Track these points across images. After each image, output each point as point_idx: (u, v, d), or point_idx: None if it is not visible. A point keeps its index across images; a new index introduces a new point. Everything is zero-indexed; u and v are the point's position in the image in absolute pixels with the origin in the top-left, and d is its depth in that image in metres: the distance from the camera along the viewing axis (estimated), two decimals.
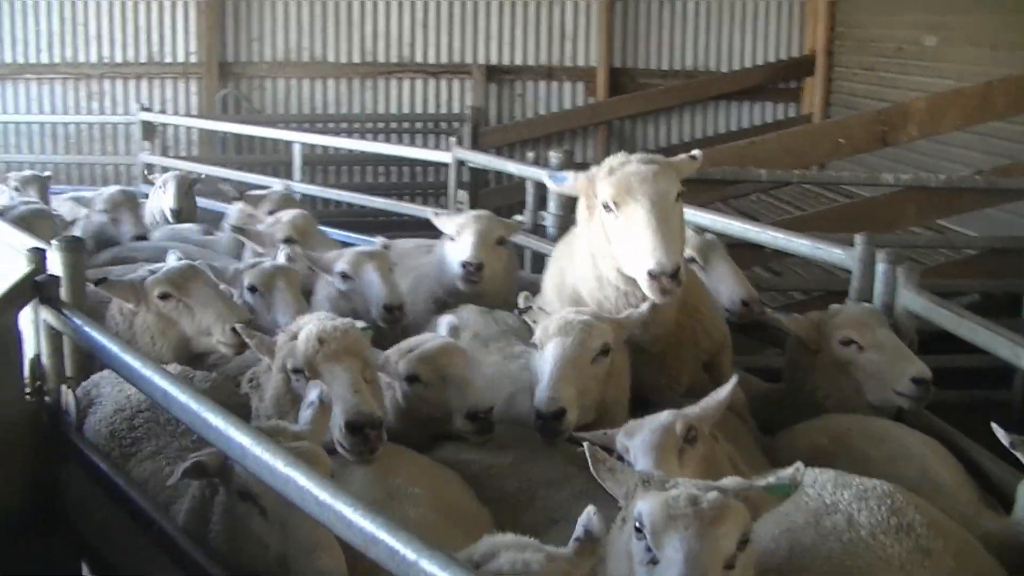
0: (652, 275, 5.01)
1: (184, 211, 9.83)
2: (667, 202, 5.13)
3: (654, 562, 3.14)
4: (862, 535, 3.75)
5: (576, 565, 3.19)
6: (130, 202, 9.13)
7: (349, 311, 6.30)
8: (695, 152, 5.63)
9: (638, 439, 4.24)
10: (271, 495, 3.58)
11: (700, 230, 6.79)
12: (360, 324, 5.22)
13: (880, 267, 6.07)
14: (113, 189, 9.32)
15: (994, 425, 4.25)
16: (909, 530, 3.78)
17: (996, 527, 4.39)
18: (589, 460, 3.53)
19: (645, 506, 3.23)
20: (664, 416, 4.32)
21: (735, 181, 9.82)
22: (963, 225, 11.70)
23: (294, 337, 4.79)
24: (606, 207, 5.20)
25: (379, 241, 7.40)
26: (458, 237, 7.04)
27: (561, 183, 5.68)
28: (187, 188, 9.98)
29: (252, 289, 6.27)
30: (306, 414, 4.17)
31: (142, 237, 9.00)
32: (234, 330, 5.54)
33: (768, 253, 7.07)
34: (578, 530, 3.31)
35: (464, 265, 6.82)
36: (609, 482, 3.49)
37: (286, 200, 9.00)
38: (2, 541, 4.66)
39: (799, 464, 3.47)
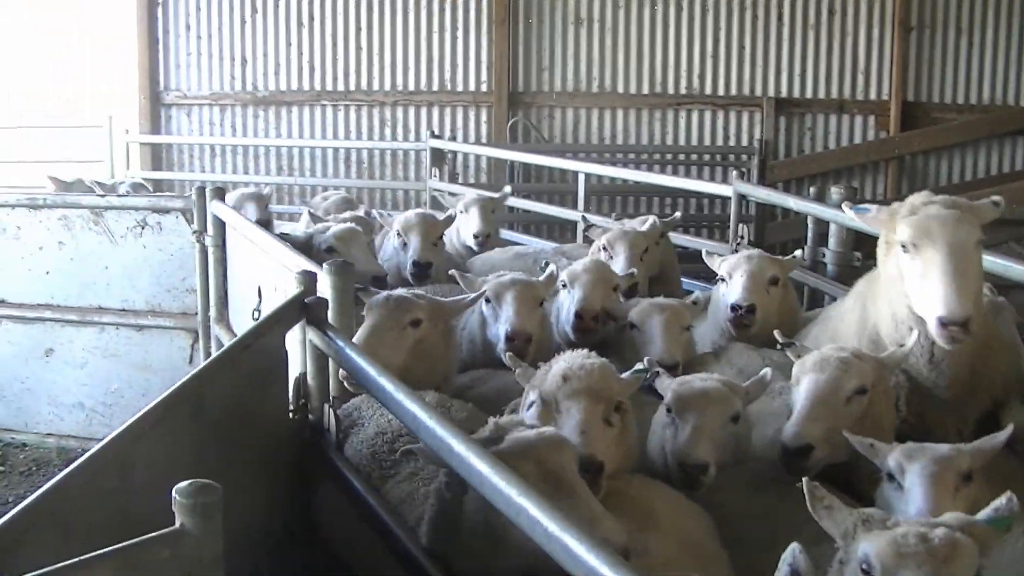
0: (942, 323, 5.14)
1: (488, 235, 10.23)
2: (966, 249, 5.28)
3: None
4: None
5: None
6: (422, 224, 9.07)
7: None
8: (996, 198, 5.73)
9: (919, 465, 4.36)
10: (537, 479, 3.82)
11: (993, 290, 6.75)
12: (640, 366, 5.47)
13: None
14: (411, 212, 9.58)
15: None
16: None
17: None
18: (807, 496, 3.65)
19: (872, 547, 3.35)
20: (947, 449, 4.47)
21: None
22: None
23: (550, 369, 5.13)
24: (903, 247, 5.38)
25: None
26: (729, 280, 7.25)
27: (863, 214, 5.88)
28: (490, 211, 10.37)
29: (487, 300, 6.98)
30: (528, 413, 4.73)
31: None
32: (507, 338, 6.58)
33: None
34: (783, 569, 3.52)
35: (734, 308, 6.99)
36: (826, 520, 3.61)
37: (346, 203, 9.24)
38: (261, 552, 4.98)
39: (1011, 494, 3.57)
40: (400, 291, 6.46)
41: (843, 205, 6.30)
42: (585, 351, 5.26)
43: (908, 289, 5.39)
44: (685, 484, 4.92)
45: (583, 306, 6.93)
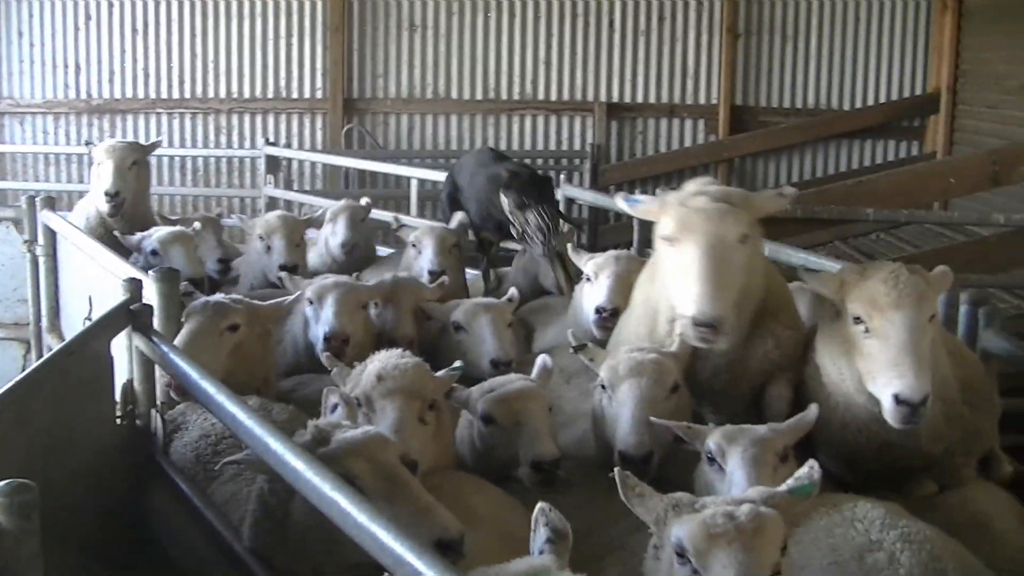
0: (694, 322, 5.27)
1: (355, 244, 10.17)
2: (726, 245, 5.34)
3: None
4: (900, 573, 4.19)
5: (562, 566, 3.49)
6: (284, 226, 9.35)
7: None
8: (785, 189, 5.94)
9: (740, 447, 4.67)
10: (371, 476, 4.10)
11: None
12: (458, 364, 5.75)
13: (962, 308, 6.53)
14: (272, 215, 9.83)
15: None
16: (943, 572, 4.20)
17: None
18: (619, 486, 3.87)
19: (683, 531, 3.57)
20: (764, 430, 4.81)
21: (843, 220, 10.25)
22: None
23: (363, 371, 5.40)
24: (667, 240, 5.49)
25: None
26: (595, 280, 7.32)
27: (634, 205, 5.93)
28: (359, 220, 10.36)
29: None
30: (334, 416, 4.98)
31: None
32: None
33: None
34: (543, 534, 3.61)
35: (598, 310, 7.08)
36: (639, 508, 3.82)
37: None
38: (94, 555, 5.11)
39: (813, 462, 3.94)
40: (218, 296, 6.75)
41: (617, 196, 6.40)
42: (399, 350, 5.53)
43: (668, 283, 5.54)
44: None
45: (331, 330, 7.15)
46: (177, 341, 6.07)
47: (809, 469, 3.92)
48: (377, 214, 13.17)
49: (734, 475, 4.57)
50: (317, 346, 7.08)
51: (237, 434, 4.53)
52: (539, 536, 3.61)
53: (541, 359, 5.83)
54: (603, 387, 5.46)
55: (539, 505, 3.68)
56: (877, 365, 5.02)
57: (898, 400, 4.88)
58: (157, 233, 8.75)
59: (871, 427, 5.35)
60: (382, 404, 5.15)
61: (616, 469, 3.94)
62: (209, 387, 4.77)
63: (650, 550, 3.85)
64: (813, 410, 5.00)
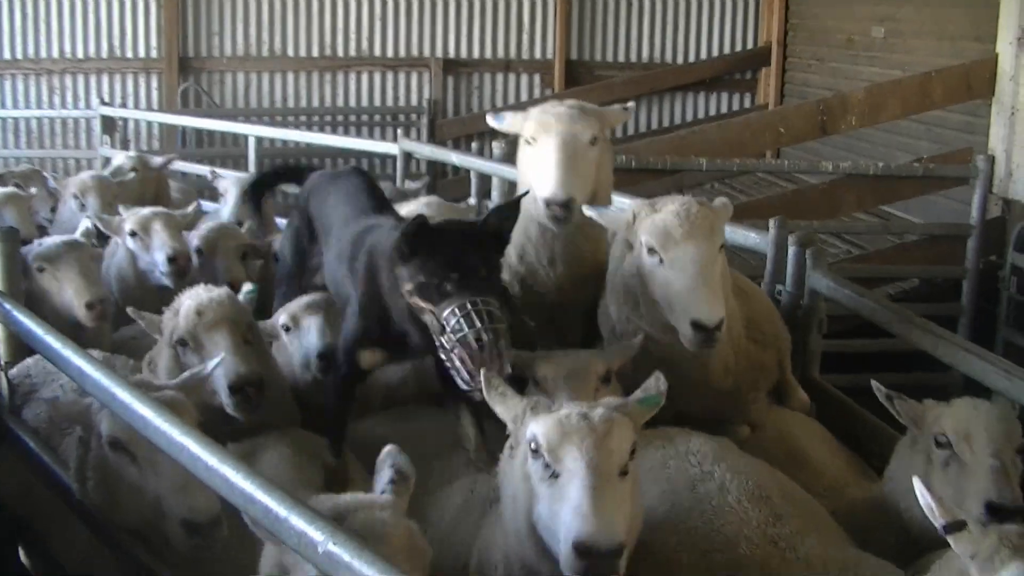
0: (546, 203, 5.61)
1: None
2: (579, 142, 5.74)
3: (555, 476, 3.74)
4: (729, 500, 4.54)
5: (399, 505, 3.80)
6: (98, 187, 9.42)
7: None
8: (629, 104, 6.47)
9: (562, 372, 5.01)
10: (141, 443, 4.33)
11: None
12: (248, 287, 6.15)
13: (791, 250, 6.73)
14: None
15: (873, 382, 5.02)
16: (766, 499, 4.57)
17: (861, 493, 5.35)
18: (484, 385, 4.20)
19: (539, 427, 3.83)
20: (586, 355, 5.22)
21: (676, 170, 10.60)
22: (906, 211, 12.69)
23: (176, 313, 5.53)
24: (527, 142, 5.89)
25: None
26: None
27: (500, 121, 6.19)
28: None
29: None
30: (162, 365, 5.29)
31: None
32: (89, 306, 6.61)
33: None
34: (386, 475, 3.95)
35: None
36: (499, 407, 4.14)
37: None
38: None
39: (658, 373, 4.25)
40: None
41: (488, 116, 6.43)
42: (203, 286, 5.72)
43: (525, 180, 5.89)
44: None
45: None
46: None
47: (655, 381, 4.18)
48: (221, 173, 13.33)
49: (558, 396, 4.73)
50: (157, 270, 7.41)
51: (84, 387, 4.65)
52: (383, 476, 3.90)
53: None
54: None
55: (388, 447, 3.99)
56: (673, 294, 5.18)
57: (696, 326, 5.04)
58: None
59: (665, 363, 5.32)
60: (210, 336, 5.34)
61: (483, 371, 4.25)
62: (54, 341, 4.90)
63: (506, 451, 4.09)
64: (638, 339, 5.30)
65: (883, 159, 12.92)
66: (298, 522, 3.20)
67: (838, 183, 11.44)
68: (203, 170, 13.41)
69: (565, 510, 3.60)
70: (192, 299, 5.54)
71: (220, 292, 5.63)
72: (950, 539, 3.51)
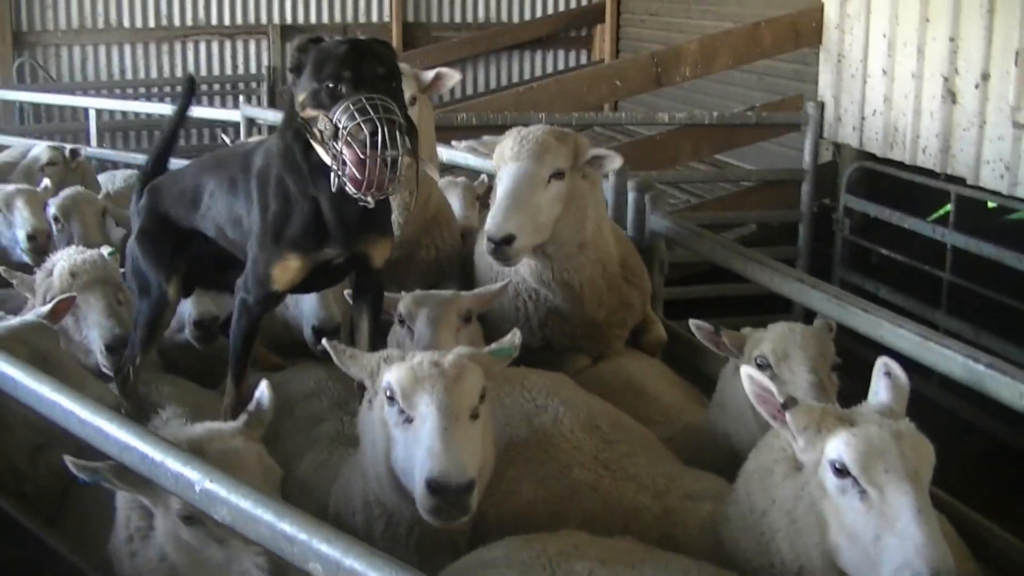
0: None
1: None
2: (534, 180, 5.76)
3: (409, 420, 3.96)
4: (563, 431, 4.86)
5: (250, 434, 4.09)
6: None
7: None
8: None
9: (425, 310, 5.24)
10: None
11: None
12: (107, 250, 6.10)
13: (630, 196, 7.11)
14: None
15: (692, 321, 5.27)
16: (597, 428, 4.91)
17: (690, 419, 5.68)
18: (332, 352, 4.36)
19: (393, 375, 4.04)
20: (448, 295, 5.43)
21: (516, 125, 10.72)
22: (741, 159, 13.08)
23: (50, 273, 5.72)
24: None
25: None
26: None
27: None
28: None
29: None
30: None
31: None
32: None
33: None
34: (251, 405, 4.26)
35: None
36: (353, 368, 4.31)
37: None
38: None
39: (516, 331, 4.52)
40: None
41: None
42: (74, 248, 5.96)
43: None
44: None
45: None
46: None
47: (511, 336, 4.43)
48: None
49: (420, 332, 5.13)
50: (17, 247, 7.59)
51: None
52: (251, 406, 4.25)
53: None
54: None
55: (262, 382, 4.25)
56: (493, 206, 5.62)
57: (488, 237, 5.45)
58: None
59: (539, 293, 6.01)
60: (84, 297, 5.52)
61: (324, 341, 4.41)
62: None
63: (364, 404, 4.29)
64: (501, 283, 5.71)
65: (718, 109, 13.12)
66: (174, 464, 3.35)
67: (674, 133, 11.80)
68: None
69: (419, 451, 3.80)
70: (66, 260, 5.71)
71: (93, 253, 5.80)
72: (787, 414, 3.76)
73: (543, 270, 5.93)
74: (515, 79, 19.71)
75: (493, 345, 4.44)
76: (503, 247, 5.43)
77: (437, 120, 7.00)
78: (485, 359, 4.26)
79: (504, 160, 5.68)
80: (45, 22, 18.22)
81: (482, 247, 5.88)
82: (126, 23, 18.51)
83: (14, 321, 4.99)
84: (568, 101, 11.74)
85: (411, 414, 3.92)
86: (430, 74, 6.43)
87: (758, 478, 4.00)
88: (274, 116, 11.71)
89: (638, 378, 6.10)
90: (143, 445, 3.51)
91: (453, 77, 6.48)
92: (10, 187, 8.05)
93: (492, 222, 5.45)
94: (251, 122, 11.63)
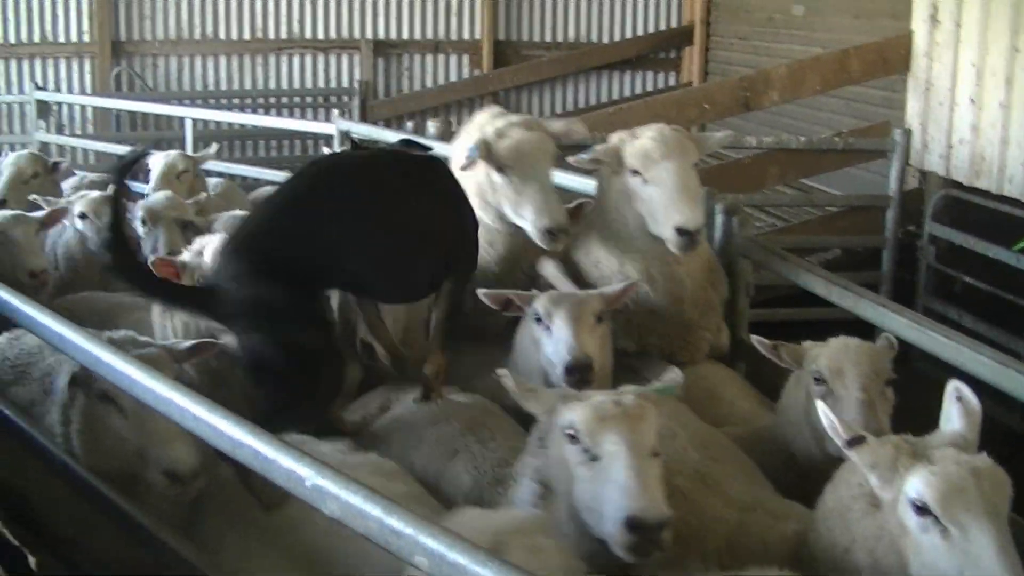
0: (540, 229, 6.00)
1: None
2: (544, 166, 6.22)
3: (594, 459, 4.04)
4: (676, 445, 4.87)
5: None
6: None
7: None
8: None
9: (564, 309, 5.41)
10: (127, 397, 4.55)
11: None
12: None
13: (718, 218, 7.10)
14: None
15: (754, 337, 5.57)
16: (706, 448, 5.06)
17: (763, 423, 5.86)
18: (514, 386, 4.50)
19: (576, 415, 4.14)
20: (582, 295, 5.63)
21: None
22: (828, 184, 13.01)
23: (200, 254, 5.79)
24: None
25: None
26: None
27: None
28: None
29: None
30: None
31: None
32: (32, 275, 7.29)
33: None
34: (527, 488, 4.43)
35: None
36: (532, 403, 4.44)
37: None
38: None
39: (675, 369, 5.10)
40: None
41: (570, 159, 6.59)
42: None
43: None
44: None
45: None
46: None
47: (673, 375, 4.86)
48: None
49: (559, 331, 5.32)
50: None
51: (66, 351, 4.80)
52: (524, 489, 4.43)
53: None
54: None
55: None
56: (657, 206, 5.84)
57: (679, 231, 5.72)
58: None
59: (640, 291, 6.13)
60: None
61: (501, 372, 4.57)
62: (31, 310, 5.07)
63: (533, 442, 4.46)
64: (628, 282, 5.85)
65: (805, 134, 13.06)
66: (287, 461, 3.47)
67: (762, 157, 11.72)
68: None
69: (611, 490, 3.88)
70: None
71: None
72: (852, 452, 3.87)
73: (655, 263, 6.14)
74: (603, 99, 19.73)
75: (657, 384, 4.70)
76: (696, 237, 5.78)
77: None
78: (654, 398, 4.36)
79: (654, 160, 5.88)
80: (143, 32, 18.59)
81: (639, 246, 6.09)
82: (222, 35, 18.81)
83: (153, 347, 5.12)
84: (656, 123, 11.73)
85: (596, 452, 4.00)
86: (558, 125, 6.56)
87: (837, 515, 4.07)
88: (367, 130, 11.97)
89: (717, 387, 6.38)
90: (256, 442, 3.64)
91: (580, 133, 6.67)
92: (95, 194, 8.35)
93: (689, 215, 5.72)
94: (345, 135, 11.73)
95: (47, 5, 18.26)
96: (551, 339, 5.41)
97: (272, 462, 3.56)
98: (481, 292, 5.77)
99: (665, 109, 12.16)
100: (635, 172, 5.98)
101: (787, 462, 5.32)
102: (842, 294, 6.26)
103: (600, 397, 4.21)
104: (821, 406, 4.12)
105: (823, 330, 9.76)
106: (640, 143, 6.01)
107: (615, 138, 6.23)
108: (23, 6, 18.19)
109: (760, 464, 5.30)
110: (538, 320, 5.49)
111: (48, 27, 18.31)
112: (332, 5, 18.99)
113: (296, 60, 19.06)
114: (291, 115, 18.87)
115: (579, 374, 5.21)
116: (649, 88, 19.89)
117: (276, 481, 3.59)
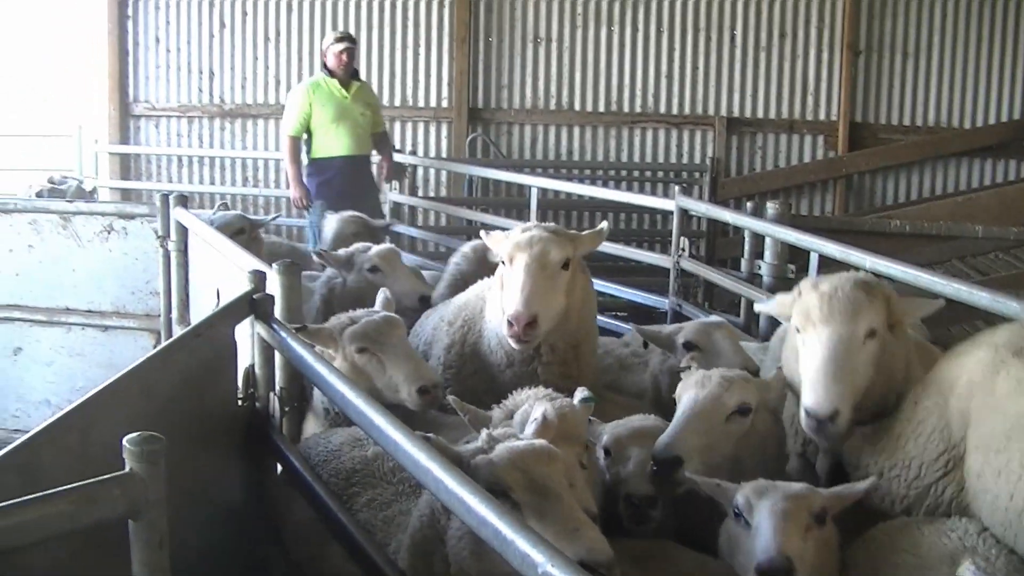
0: (508, 321, 5.99)
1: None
2: (547, 264, 6.13)
3: (747, 525, 4.35)
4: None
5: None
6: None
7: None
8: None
9: (769, 501, 4.42)
10: (523, 489, 3.97)
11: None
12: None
13: None
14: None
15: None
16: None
17: None
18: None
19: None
20: (800, 487, 4.57)
21: (951, 237, 10.13)
22: None
23: (509, 416, 5.13)
24: (502, 262, 6.32)
25: None
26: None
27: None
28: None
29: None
30: (530, 430, 4.62)
31: None
32: (421, 391, 6.07)
33: (980, 312, 6.57)
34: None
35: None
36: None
37: None
38: (208, 523, 5.35)
39: (873, 479, 4.72)
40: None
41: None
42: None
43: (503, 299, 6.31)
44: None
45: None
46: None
47: (870, 484, 4.66)
48: (498, 220, 13.41)
49: (760, 528, 4.32)
50: (402, 302, 7.85)
51: (365, 430, 4.52)
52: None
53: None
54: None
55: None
56: (804, 376, 4.96)
57: (807, 412, 4.82)
58: (374, 249, 8.87)
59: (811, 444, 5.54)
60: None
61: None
62: (324, 370, 4.90)
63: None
64: (868, 482, 4.76)
65: None
66: (523, 545, 3.22)
67: None
68: (487, 218, 13.59)
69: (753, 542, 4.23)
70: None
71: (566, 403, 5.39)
72: None
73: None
74: (961, 187, 18.84)
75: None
76: (827, 423, 4.76)
77: (871, 226, 6.45)
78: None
79: (812, 322, 4.99)
80: (500, 101, 18.85)
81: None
82: (576, 106, 18.83)
83: (519, 443, 4.32)
84: (1008, 214, 11.07)
85: (749, 519, 4.34)
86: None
87: None
88: (706, 209, 11.73)
89: None
90: (498, 522, 3.34)
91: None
92: (384, 247, 8.97)
93: (814, 397, 4.79)
94: (684, 212, 11.09)
95: (409, 72, 18.81)
96: (751, 538, 4.40)
97: (510, 543, 3.26)
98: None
99: (1019, 199, 11.50)
100: (797, 330, 5.11)
101: None
102: None
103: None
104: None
105: None
106: (807, 297, 5.07)
107: (798, 287, 5.26)
108: (386, 71, 18.75)
109: None
110: (737, 515, 4.52)
111: (409, 92, 18.85)
112: (688, 81, 18.81)
113: (649, 134, 18.88)
114: (641, 189, 18.73)
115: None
116: (1012, 177, 18.75)
117: (511, 561, 3.26)
